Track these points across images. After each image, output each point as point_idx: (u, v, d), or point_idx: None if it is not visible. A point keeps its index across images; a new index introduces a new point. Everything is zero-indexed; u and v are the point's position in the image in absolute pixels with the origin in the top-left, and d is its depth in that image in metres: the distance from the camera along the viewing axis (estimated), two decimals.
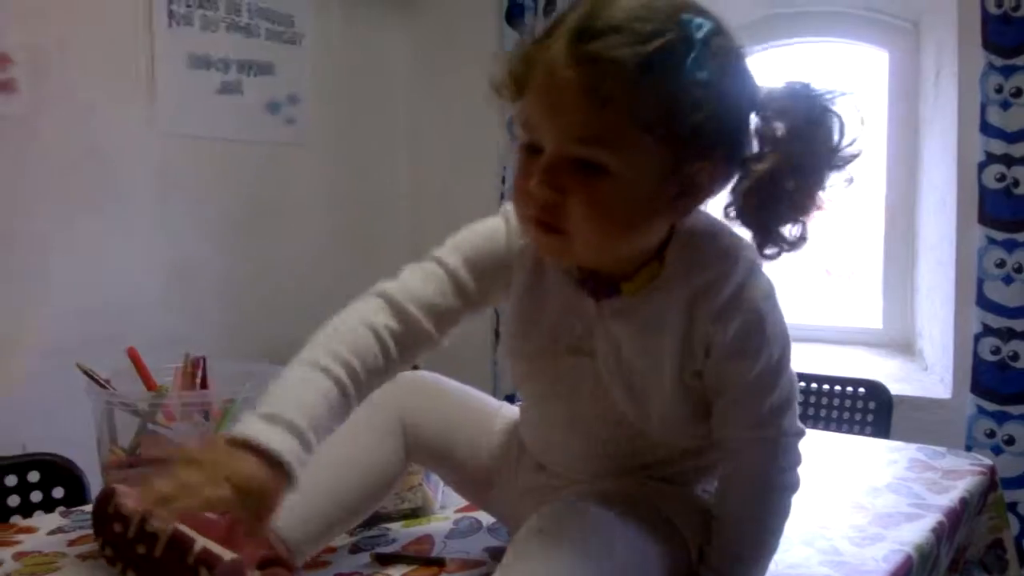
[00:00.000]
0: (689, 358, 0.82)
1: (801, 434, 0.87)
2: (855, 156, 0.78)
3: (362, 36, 2.87)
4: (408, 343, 0.83)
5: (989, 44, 1.89)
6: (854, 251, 2.63)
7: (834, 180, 0.79)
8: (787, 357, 0.85)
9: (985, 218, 1.94)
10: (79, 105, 2.17)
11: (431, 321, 0.84)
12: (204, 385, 1.07)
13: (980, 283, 1.95)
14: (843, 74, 2.58)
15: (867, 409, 1.96)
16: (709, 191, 0.79)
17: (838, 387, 1.99)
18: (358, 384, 0.78)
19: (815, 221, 0.80)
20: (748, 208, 0.79)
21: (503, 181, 2.70)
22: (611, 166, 0.73)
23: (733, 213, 0.80)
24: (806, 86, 0.78)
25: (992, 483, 1.35)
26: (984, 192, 1.92)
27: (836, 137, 0.77)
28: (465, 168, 2.90)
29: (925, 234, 2.37)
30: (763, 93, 0.78)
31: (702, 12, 0.74)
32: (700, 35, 0.71)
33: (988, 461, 1.40)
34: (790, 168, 0.76)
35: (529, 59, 0.77)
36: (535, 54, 0.76)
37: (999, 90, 1.89)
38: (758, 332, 0.81)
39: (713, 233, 0.84)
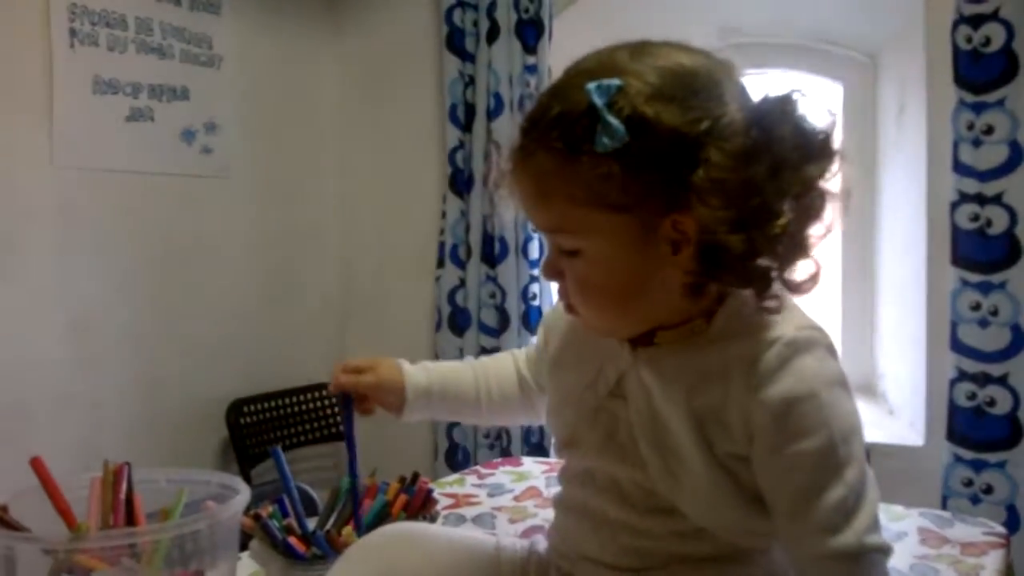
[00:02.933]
0: (722, 431, 0.75)
1: (888, 551, 0.75)
2: (831, 157, 0.74)
3: (288, 59, 2.68)
4: (522, 384, 1.02)
5: (960, 80, 1.84)
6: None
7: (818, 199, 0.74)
8: (856, 452, 0.74)
9: (958, 259, 1.87)
10: None
11: (528, 369, 1.02)
12: (129, 499, 0.86)
13: (954, 326, 1.88)
14: None
15: None
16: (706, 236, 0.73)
17: None
18: (487, 384, 1.02)
19: (821, 257, 0.76)
20: (723, 257, 0.72)
21: (443, 215, 2.53)
22: (580, 247, 0.76)
23: (707, 266, 0.73)
24: (765, 99, 0.74)
25: (1008, 552, 1.28)
26: (957, 232, 1.86)
27: (806, 146, 0.73)
28: (401, 201, 2.72)
29: (887, 272, 2.32)
30: (721, 115, 0.73)
31: (632, 67, 0.73)
32: (603, 102, 0.71)
33: (1000, 528, 1.33)
34: (766, 197, 0.71)
35: (508, 157, 0.79)
36: (511, 150, 0.79)
37: (971, 127, 1.83)
38: (807, 414, 0.72)
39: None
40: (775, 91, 0.74)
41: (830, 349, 0.76)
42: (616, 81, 0.71)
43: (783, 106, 0.72)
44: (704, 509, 0.77)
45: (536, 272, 2.42)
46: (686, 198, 0.71)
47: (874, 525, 0.73)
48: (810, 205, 0.73)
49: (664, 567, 0.79)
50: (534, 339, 1.03)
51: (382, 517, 0.97)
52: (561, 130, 0.72)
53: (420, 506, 1.02)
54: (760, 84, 2.38)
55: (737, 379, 0.74)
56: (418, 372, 1.00)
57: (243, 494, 0.83)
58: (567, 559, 0.85)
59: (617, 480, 0.81)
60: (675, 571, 0.79)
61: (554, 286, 0.89)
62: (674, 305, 0.78)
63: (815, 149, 0.72)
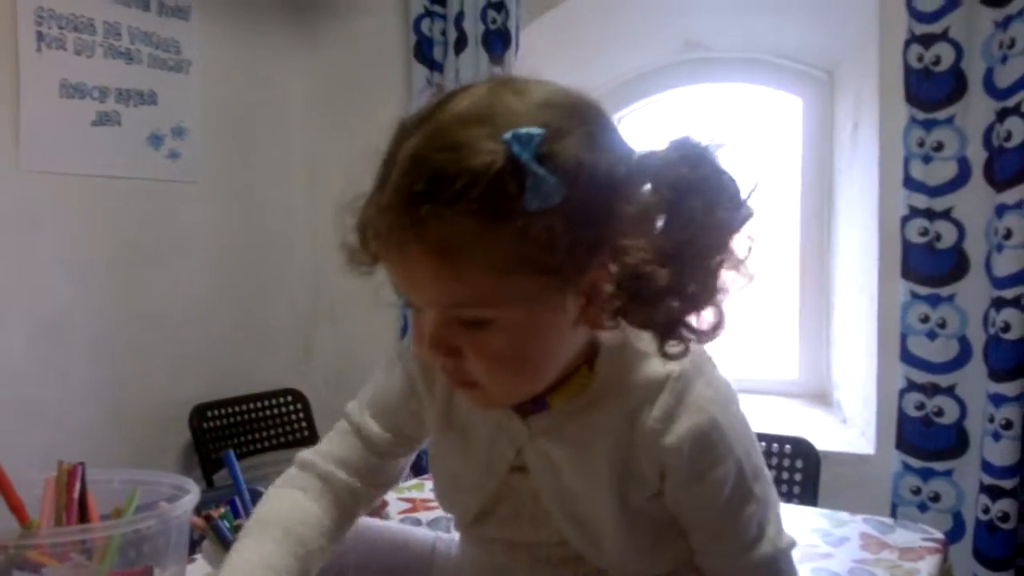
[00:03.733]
0: (636, 484, 0.75)
1: (793, 544, 0.79)
2: (751, 213, 0.68)
3: (257, 65, 2.67)
4: (342, 505, 0.83)
5: (911, 97, 1.88)
6: (770, 300, 2.60)
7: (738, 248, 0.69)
8: (757, 462, 0.77)
9: (908, 272, 1.91)
10: None
11: (356, 477, 0.83)
12: (83, 499, 0.88)
13: (904, 338, 1.92)
14: (757, 118, 2.57)
15: (794, 468, 1.91)
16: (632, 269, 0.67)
17: (763, 444, 1.92)
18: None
19: (729, 303, 0.69)
20: (640, 298, 0.66)
21: None
22: (493, 317, 0.66)
23: (623, 307, 0.67)
24: (686, 142, 0.67)
25: (944, 557, 1.31)
26: (907, 246, 1.90)
27: (728, 198, 0.67)
28: None
29: (842, 284, 2.36)
30: (640, 159, 0.68)
31: (530, 112, 0.65)
32: (530, 154, 0.61)
33: (938, 534, 1.36)
34: (681, 244, 0.65)
35: (372, 222, 0.68)
36: (377, 216, 0.67)
37: (921, 144, 1.88)
38: (715, 443, 0.73)
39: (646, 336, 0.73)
40: (695, 134, 0.69)
41: (709, 361, 0.76)
42: (537, 129, 0.62)
43: (705, 150, 0.67)
44: (619, 560, 0.78)
45: None
46: (609, 249, 0.66)
47: (781, 527, 0.78)
48: (733, 251, 0.68)
49: None
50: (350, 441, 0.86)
51: None
52: (478, 191, 0.61)
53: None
54: (721, 96, 2.39)
55: (639, 427, 0.73)
56: None
57: (193, 494, 0.85)
58: None
59: (526, 543, 0.81)
60: None
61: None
62: (568, 363, 0.73)
63: (738, 197, 0.68)
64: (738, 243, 0.68)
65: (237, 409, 2.52)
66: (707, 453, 0.72)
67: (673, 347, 0.68)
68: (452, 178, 0.61)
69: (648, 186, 0.67)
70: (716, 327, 0.68)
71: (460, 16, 2.41)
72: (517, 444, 0.77)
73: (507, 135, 0.62)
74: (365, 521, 0.93)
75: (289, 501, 0.81)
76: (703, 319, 0.68)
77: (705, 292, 0.67)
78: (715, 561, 0.78)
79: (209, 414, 2.44)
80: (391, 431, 0.84)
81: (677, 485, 0.74)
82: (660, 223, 0.66)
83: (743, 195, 0.67)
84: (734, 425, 0.74)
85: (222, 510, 0.98)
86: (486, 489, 0.80)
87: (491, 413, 0.78)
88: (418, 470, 2.41)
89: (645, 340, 0.72)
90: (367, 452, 0.84)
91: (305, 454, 0.85)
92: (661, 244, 0.65)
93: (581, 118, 0.66)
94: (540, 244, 0.62)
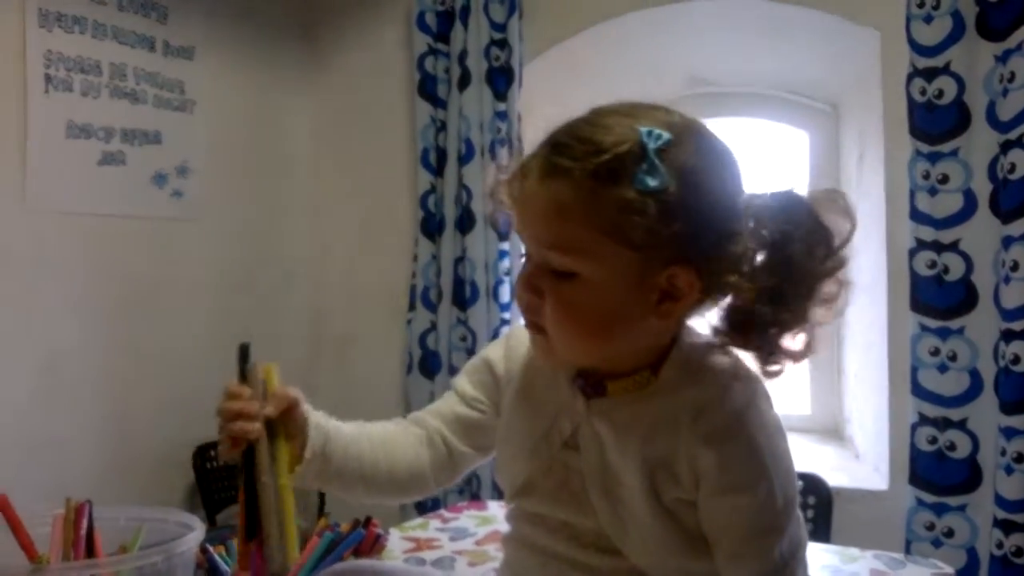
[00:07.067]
0: (670, 480, 0.79)
1: None
2: (844, 262, 0.79)
3: (261, 105, 2.70)
4: (437, 451, 0.94)
5: (916, 131, 1.89)
6: None
7: (829, 289, 0.78)
8: (792, 496, 0.79)
9: (918, 305, 1.90)
10: None
11: (456, 436, 0.94)
12: (90, 536, 0.87)
13: (915, 371, 1.91)
14: (763, 152, 2.57)
15: (806, 505, 1.88)
16: (693, 297, 0.78)
17: None
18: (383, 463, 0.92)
19: (819, 328, 0.79)
20: (739, 325, 0.77)
21: (415, 259, 2.54)
22: (578, 270, 0.76)
23: (724, 329, 0.78)
24: (790, 194, 0.79)
25: None
26: (916, 279, 1.89)
27: (824, 247, 0.77)
28: (372, 245, 2.73)
29: (852, 318, 2.35)
30: (747, 199, 0.78)
31: (669, 123, 0.77)
32: (654, 146, 0.74)
33: (948, 568, 1.35)
34: (778, 283, 0.75)
35: (520, 168, 0.80)
36: (525, 163, 0.80)
37: (926, 176, 1.88)
38: (753, 463, 0.77)
39: (715, 354, 0.81)
40: (802, 189, 0.80)
41: (766, 397, 0.81)
42: (667, 135, 0.74)
43: (806, 203, 0.78)
44: (647, 553, 0.80)
45: (507, 316, 2.43)
46: (696, 254, 0.75)
47: (805, 567, 0.79)
48: (827, 291, 0.78)
49: None
50: (451, 398, 0.97)
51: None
52: (605, 159, 0.73)
53: (369, 548, 1.03)
54: (729, 131, 2.41)
55: (684, 429, 0.78)
56: (317, 432, 0.89)
57: (197, 531, 0.84)
58: None
59: (568, 523, 0.84)
60: None
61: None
62: (633, 352, 0.81)
63: (833, 246, 0.78)
64: (828, 284, 0.78)
65: None
66: (740, 469, 0.77)
67: (772, 367, 0.77)
68: (588, 142, 0.75)
69: (751, 224, 0.76)
70: (807, 350, 0.78)
71: (464, 54, 2.43)
72: (575, 421, 0.84)
73: (642, 128, 0.74)
74: (365, 564, 0.93)
75: (381, 427, 0.95)
76: (796, 341, 0.77)
77: (797, 322, 0.76)
78: None
79: (212, 453, 2.41)
80: (478, 388, 0.95)
81: (708, 495, 0.78)
82: (759, 259, 0.75)
83: (837, 245, 0.78)
84: (774, 452, 0.78)
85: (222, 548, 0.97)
86: (539, 458, 0.86)
87: (559, 391, 0.86)
88: (423, 509, 2.39)
89: (711, 358, 0.81)
90: (459, 400, 0.95)
91: (420, 412, 0.98)
92: (762, 281, 0.74)
93: (706, 147, 0.78)
94: (633, 220, 0.73)
